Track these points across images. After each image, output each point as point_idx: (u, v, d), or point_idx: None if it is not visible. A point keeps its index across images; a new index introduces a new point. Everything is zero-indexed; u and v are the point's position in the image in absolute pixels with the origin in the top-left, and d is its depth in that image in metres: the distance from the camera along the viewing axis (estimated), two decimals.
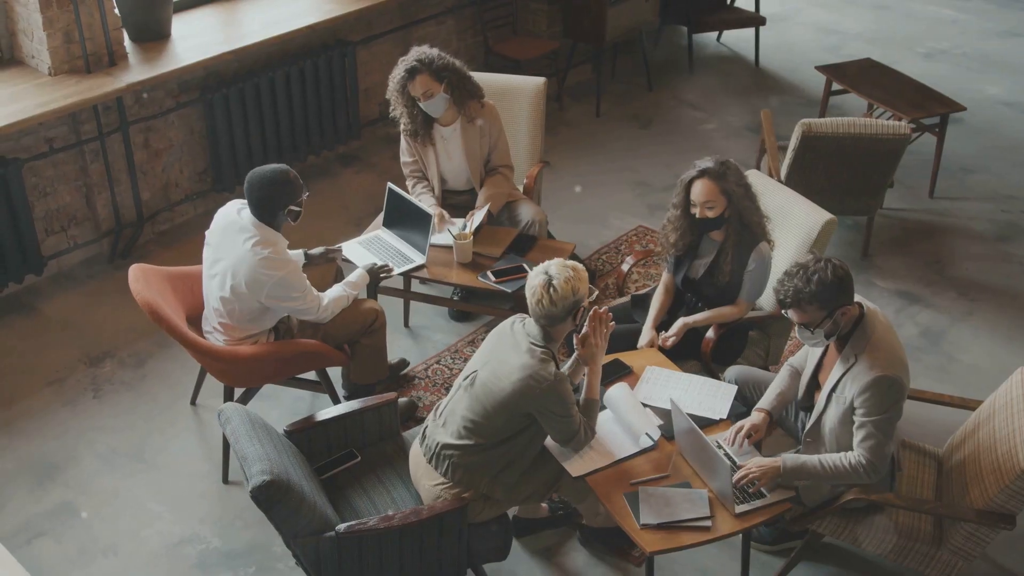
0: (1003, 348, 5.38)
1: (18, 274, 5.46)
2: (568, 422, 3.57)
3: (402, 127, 5.06)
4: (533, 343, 3.55)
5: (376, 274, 4.64)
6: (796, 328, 3.64)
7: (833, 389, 3.67)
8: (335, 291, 4.41)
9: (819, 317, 3.54)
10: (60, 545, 4.24)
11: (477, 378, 3.62)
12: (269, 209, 4.11)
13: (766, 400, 3.95)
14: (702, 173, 4.20)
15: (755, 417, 3.87)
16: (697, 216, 4.25)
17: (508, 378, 3.51)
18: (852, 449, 3.60)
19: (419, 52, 4.85)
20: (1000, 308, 5.68)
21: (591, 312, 3.68)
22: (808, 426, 3.79)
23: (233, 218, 4.20)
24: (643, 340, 4.40)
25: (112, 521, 4.35)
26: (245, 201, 4.18)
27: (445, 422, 3.69)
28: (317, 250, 4.72)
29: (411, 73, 4.81)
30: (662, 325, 4.46)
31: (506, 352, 3.58)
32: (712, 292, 4.40)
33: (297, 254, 4.58)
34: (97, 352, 5.22)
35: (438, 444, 3.67)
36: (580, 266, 3.58)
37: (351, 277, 4.55)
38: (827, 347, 3.78)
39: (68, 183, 5.64)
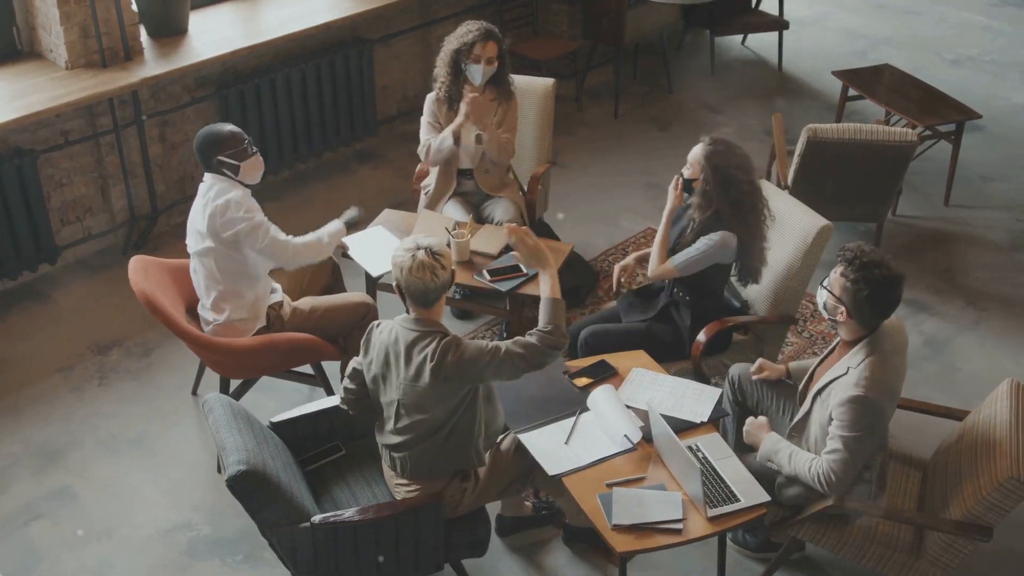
0: (1008, 358, 5.33)
1: (33, 263, 5.58)
2: (497, 356, 3.45)
3: (439, 90, 5.19)
4: (413, 329, 3.50)
5: (353, 222, 4.75)
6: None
7: (820, 392, 3.68)
8: (308, 236, 4.49)
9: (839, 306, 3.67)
10: (56, 527, 4.34)
11: (399, 404, 3.58)
12: (206, 158, 4.29)
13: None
14: (705, 139, 4.40)
15: None
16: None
17: (421, 377, 3.47)
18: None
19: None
20: (1009, 318, 5.62)
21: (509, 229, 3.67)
22: (795, 420, 3.80)
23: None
24: None
25: (108, 506, 4.45)
26: None
27: (390, 430, 3.67)
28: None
29: (490, 34, 5.04)
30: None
31: (400, 362, 3.53)
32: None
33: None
34: (106, 341, 5.33)
35: (391, 449, 3.69)
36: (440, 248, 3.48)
37: (328, 227, 4.60)
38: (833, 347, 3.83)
39: (84, 175, 5.76)
